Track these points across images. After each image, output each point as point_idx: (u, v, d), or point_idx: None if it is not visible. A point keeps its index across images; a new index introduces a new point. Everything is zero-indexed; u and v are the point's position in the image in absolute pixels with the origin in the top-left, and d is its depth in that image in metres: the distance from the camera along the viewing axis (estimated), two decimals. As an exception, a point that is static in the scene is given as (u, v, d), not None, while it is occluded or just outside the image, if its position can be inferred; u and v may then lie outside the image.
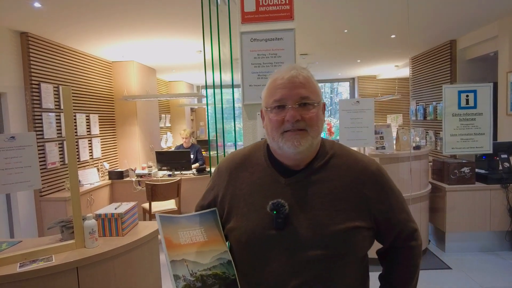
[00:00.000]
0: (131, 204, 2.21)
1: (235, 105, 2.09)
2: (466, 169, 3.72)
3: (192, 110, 9.70)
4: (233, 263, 0.97)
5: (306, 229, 0.91)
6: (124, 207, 2.13)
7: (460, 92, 3.63)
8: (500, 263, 3.46)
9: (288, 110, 0.92)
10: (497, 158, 3.81)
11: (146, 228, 2.19)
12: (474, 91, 3.61)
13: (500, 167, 3.80)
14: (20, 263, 1.71)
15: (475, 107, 3.61)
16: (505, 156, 3.76)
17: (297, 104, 0.92)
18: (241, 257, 0.98)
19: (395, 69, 8.19)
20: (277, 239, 0.92)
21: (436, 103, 6.00)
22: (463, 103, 3.63)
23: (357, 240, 0.92)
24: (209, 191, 1.09)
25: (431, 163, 4.15)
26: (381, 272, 1.08)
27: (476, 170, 3.79)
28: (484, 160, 3.90)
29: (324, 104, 1.01)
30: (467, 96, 3.62)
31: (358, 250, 0.95)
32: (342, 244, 0.91)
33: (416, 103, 6.90)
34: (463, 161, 3.81)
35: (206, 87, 2.08)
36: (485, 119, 3.62)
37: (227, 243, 1.03)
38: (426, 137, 6.30)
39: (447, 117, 3.65)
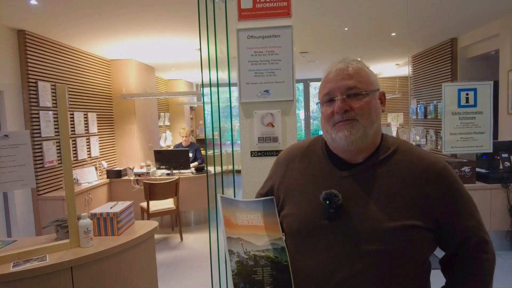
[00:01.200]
0: (127, 203, 2.18)
1: (233, 103, 2.06)
2: (466, 168, 3.69)
3: (191, 108, 9.68)
4: (286, 250, 0.99)
5: (359, 222, 0.89)
6: (119, 206, 2.11)
7: (460, 91, 3.60)
8: (501, 263, 3.44)
9: (337, 102, 0.92)
10: (498, 157, 3.78)
11: (143, 227, 2.17)
12: (474, 90, 3.58)
13: (501, 167, 3.77)
14: (13, 263, 1.69)
15: (475, 105, 3.58)
16: (506, 155, 3.73)
17: (345, 95, 0.92)
18: (291, 244, 0.99)
19: (396, 67, 8.16)
20: (329, 230, 0.91)
21: (437, 102, 5.97)
22: (463, 102, 3.60)
23: (415, 240, 0.87)
24: (268, 181, 1.14)
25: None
26: (443, 285, 1.00)
27: (477, 169, 3.76)
28: (484, 159, 3.87)
29: (383, 94, 0.99)
30: (467, 94, 3.59)
31: (415, 251, 0.89)
32: (396, 241, 0.86)
33: (417, 101, 6.87)
34: (464, 160, 3.78)
35: (202, 85, 2.06)
36: (485, 117, 3.59)
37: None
38: (426, 136, 6.28)
39: (446, 115, 3.62)
